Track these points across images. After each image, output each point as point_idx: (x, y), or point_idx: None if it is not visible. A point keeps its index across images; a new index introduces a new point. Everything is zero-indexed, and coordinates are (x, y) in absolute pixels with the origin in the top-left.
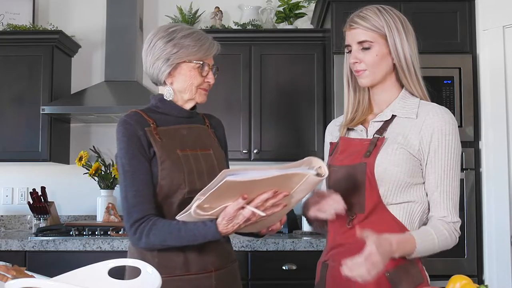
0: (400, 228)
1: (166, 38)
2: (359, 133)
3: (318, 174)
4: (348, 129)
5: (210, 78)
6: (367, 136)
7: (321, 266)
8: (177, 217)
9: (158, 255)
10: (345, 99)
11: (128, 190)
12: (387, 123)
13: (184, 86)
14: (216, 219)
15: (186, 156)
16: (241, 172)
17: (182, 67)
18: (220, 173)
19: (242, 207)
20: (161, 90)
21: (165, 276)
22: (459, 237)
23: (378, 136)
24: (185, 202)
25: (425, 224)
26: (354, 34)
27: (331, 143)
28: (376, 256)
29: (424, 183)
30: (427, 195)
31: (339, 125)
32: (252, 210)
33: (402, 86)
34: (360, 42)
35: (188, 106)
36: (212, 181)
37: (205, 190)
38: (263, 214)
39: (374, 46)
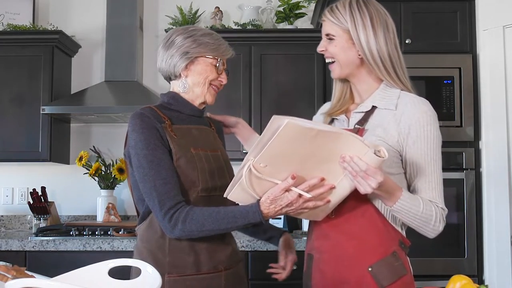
0: (381, 218)
1: (185, 34)
2: (341, 123)
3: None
4: (332, 119)
5: (223, 78)
6: (348, 126)
7: (307, 257)
8: (226, 194)
9: (169, 255)
10: (333, 89)
11: (157, 179)
12: (368, 114)
13: (198, 80)
14: (259, 200)
15: (199, 155)
16: (299, 119)
17: (199, 61)
18: (271, 120)
19: (288, 190)
20: (174, 84)
21: (176, 275)
22: (458, 237)
23: (359, 127)
24: (199, 201)
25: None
26: (323, 26)
27: None
28: (381, 176)
29: (405, 173)
30: (409, 186)
31: (323, 114)
32: (298, 192)
33: None
34: (327, 34)
35: (196, 103)
36: (264, 132)
37: (259, 144)
38: (308, 195)
39: (336, 39)
